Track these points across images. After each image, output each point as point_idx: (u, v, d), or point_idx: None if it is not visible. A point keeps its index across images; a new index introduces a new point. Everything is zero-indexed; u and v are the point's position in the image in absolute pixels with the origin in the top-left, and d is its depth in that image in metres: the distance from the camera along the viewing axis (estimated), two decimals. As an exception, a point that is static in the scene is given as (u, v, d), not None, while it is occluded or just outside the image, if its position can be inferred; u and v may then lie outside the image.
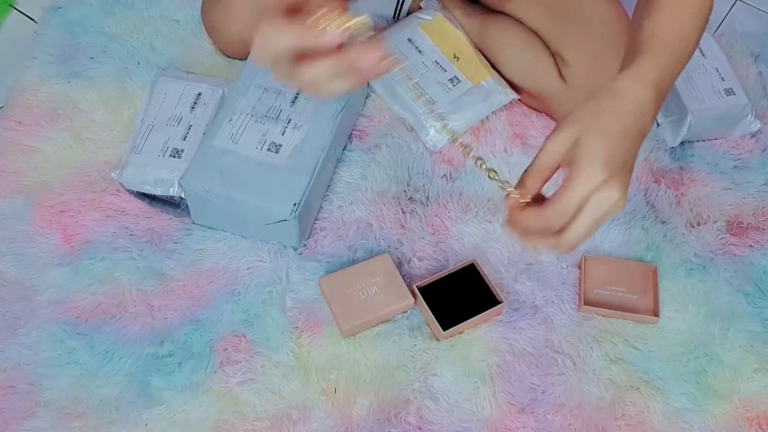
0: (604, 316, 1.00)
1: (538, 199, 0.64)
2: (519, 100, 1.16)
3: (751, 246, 1.07)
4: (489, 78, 1.14)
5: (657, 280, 1.02)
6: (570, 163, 0.60)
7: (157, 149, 1.05)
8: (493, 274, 1.02)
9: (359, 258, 1.03)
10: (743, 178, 1.13)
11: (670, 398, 0.94)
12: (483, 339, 0.97)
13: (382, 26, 1.24)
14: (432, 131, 1.11)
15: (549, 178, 0.62)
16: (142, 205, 1.05)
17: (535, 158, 0.62)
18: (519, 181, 0.63)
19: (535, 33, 1.14)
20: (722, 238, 1.07)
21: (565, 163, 0.60)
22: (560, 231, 0.60)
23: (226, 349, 0.95)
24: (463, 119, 1.13)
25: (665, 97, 0.63)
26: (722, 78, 1.17)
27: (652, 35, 0.63)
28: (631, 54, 0.64)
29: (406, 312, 0.99)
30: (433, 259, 1.03)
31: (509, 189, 0.63)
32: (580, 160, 0.59)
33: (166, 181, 1.04)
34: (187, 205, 1.03)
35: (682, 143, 1.16)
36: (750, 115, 1.16)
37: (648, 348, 0.98)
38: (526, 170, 0.63)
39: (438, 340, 0.97)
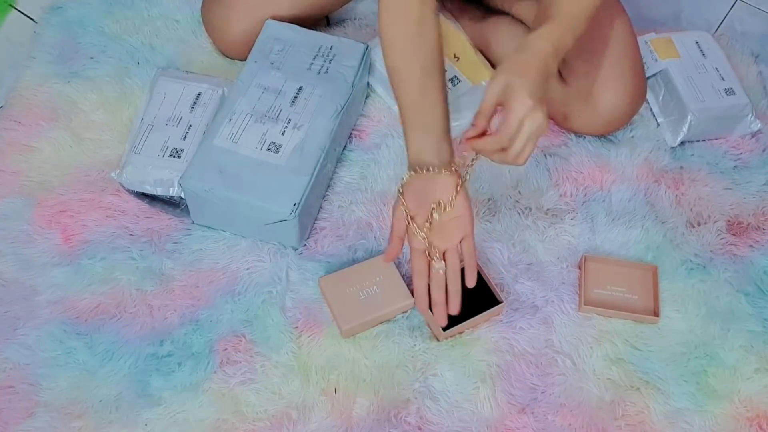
0: (604, 316, 1.00)
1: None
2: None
3: (751, 246, 1.07)
4: (489, 78, 1.14)
5: (657, 280, 1.02)
6: (506, 100, 0.82)
7: (156, 149, 1.05)
8: (493, 274, 1.02)
9: (359, 258, 1.02)
10: (743, 178, 1.13)
11: (671, 398, 0.94)
12: (483, 339, 0.97)
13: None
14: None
15: (492, 116, 0.84)
16: (141, 205, 1.05)
17: (480, 105, 0.84)
18: (472, 123, 0.84)
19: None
20: (722, 238, 1.07)
21: (502, 103, 0.82)
22: (506, 148, 0.83)
23: (225, 349, 0.95)
24: (464, 119, 1.12)
25: (561, 54, 0.87)
26: (722, 78, 1.17)
27: (558, 10, 0.87)
28: (540, 20, 0.87)
29: (406, 312, 0.99)
30: (433, 259, 1.03)
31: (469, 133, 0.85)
32: (513, 95, 0.81)
33: (165, 181, 1.04)
34: (186, 205, 1.03)
35: (682, 143, 1.16)
36: (750, 115, 1.16)
37: (648, 348, 0.98)
38: (475, 115, 0.84)
39: (438, 340, 0.97)
